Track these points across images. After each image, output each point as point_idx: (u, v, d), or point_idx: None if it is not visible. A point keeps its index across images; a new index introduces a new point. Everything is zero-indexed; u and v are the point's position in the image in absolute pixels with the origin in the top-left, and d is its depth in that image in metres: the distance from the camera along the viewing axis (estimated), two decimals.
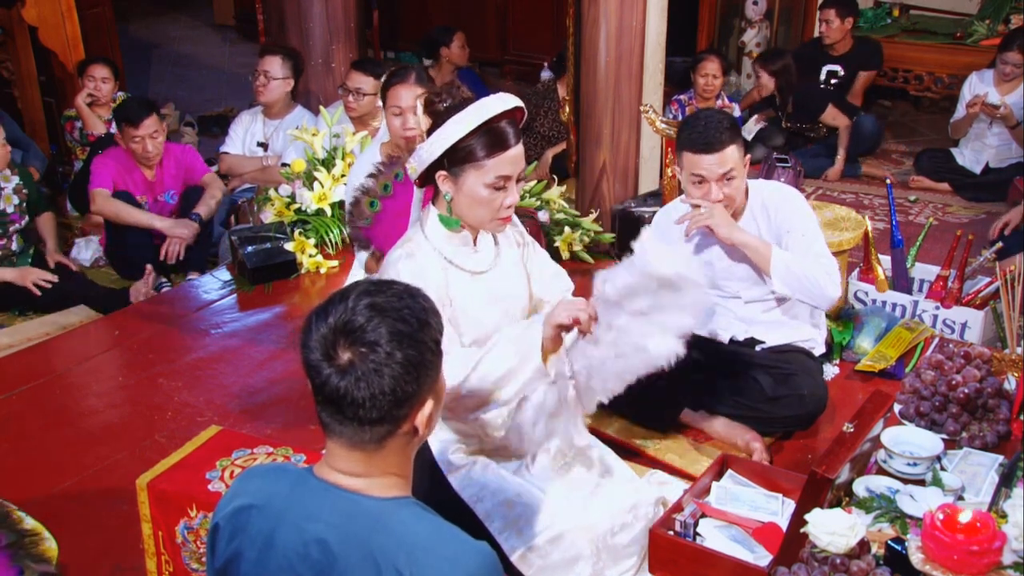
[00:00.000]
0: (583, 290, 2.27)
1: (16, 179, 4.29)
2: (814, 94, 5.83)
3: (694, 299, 2.06)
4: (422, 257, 2.17)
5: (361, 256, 3.28)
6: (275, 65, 4.79)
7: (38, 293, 4.12)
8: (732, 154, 2.78)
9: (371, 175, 3.07)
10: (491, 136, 2.09)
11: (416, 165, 2.17)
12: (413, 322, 1.40)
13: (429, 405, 1.45)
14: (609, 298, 2.05)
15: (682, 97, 5.72)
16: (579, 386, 2.16)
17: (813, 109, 5.70)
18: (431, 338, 1.43)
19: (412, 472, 1.53)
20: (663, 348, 2.06)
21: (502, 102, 2.11)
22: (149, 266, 4.26)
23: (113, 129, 5.25)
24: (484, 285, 2.23)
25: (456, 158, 2.10)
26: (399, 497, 1.46)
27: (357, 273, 3.71)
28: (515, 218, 2.38)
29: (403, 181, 3.00)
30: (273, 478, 1.52)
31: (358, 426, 1.41)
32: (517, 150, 2.12)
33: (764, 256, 2.78)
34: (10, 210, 4.29)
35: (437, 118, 2.13)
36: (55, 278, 4.16)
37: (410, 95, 3.23)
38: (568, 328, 2.07)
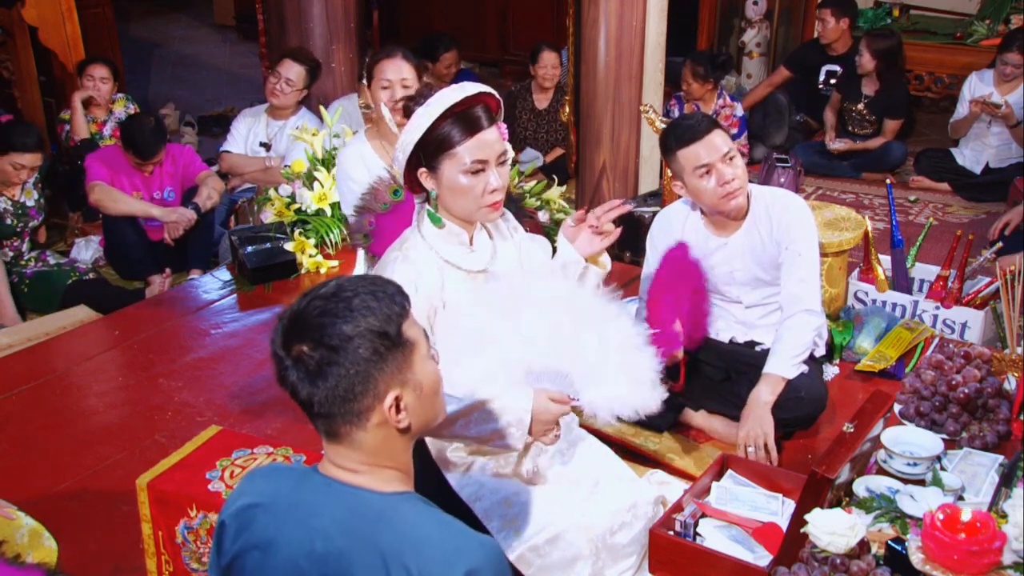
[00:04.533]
0: None
1: (36, 175, 4.35)
2: (904, 93, 5.84)
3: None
4: (418, 258, 2.16)
5: (362, 254, 3.27)
6: (299, 75, 4.79)
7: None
8: (721, 138, 2.78)
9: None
10: (460, 122, 2.08)
11: (396, 168, 2.18)
12: (366, 314, 1.41)
13: (392, 396, 1.44)
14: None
15: (681, 93, 5.72)
16: None
17: (894, 105, 5.69)
18: (377, 335, 1.41)
19: (412, 466, 1.54)
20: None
21: (464, 89, 2.10)
22: (168, 268, 4.42)
23: (107, 131, 5.25)
24: (481, 284, 2.23)
25: (430, 150, 2.10)
26: (401, 492, 1.47)
27: (360, 272, 3.70)
28: (510, 214, 2.38)
29: None
30: (277, 477, 1.54)
31: (322, 420, 1.46)
32: (491, 134, 2.10)
33: (781, 383, 2.77)
34: (30, 203, 4.33)
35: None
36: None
37: (397, 69, 3.29)
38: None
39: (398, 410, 1.45)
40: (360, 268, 3.74)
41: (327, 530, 1.42)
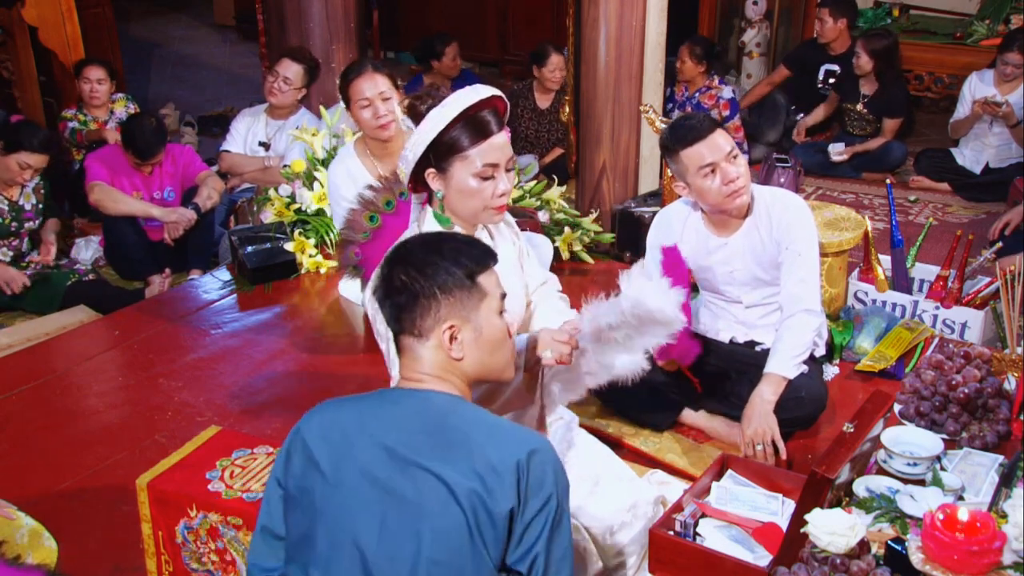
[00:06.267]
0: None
1: (37, 178, 4.33)
2: (903, 92, 5.83)
3: (671, 330, 2.11)
4: None
5: (358, 282, 3.24)
6: (297, 74, 4.79)
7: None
8: (723, 137, 2.77)
9: (371, 187, 3.04)
10: (473, 125, 2.10)
11: (404, 167, 2.18)
12: (452, 253, 1.69)
13: (448, 325, 1.67)
14: (592, 331, 2.08)
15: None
16: (547, 397, 2.18)
17: (893, 105, 5.68)
18: (453, 271, 1.68)
19: (471, 397, 1.77)
20: (630, 365, 2.14)
21: (477, 92, 2.12)
22: (168, 268, 4.44)
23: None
24: None
25: (441, 152, 2.11)
26: (461, 396, 1.71)
27: (350, 280, 3.69)
28: (510, 217, 2.39)
29: (408, 200, 2.97)
30: (355, 396, 1.75)
31: (394, 331, 1.73)
32: (501, 138, 2.14)
33: (783, 383, 2.77)
34: (27, 207, 4.33)
35: (419, 120, 2.14)
36: (27, 283, 4.22)
37: (372, 84, 3.26)
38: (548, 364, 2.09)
39: (451, 339, 1.69)
40: (353, 290, 3.74)
41: (401, 419, 1.63)
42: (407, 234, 2.28)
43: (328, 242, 4.16)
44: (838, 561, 1.79)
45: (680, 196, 2.96)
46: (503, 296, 1.75)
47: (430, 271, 1.68)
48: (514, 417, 2.26)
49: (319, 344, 3.60)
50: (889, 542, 1.88)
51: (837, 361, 3.31)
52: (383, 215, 2.96)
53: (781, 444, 2.70)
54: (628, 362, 2.13)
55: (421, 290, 1.67)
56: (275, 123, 4.98)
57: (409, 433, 1.61)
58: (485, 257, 1.73)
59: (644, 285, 2.04)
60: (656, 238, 3.05)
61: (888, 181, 4.03)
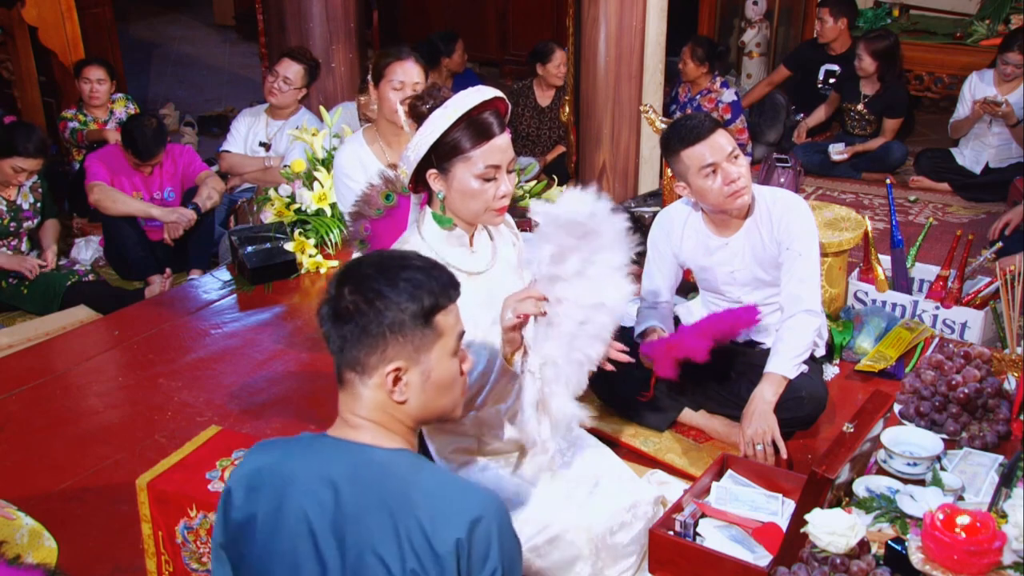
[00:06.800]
0: None
1: (35, 177, 4.33)
2: (904, 92, 5.84)
3: (614, 232, 2.08)
4: None
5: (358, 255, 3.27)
6: (297, 74, 4.80)
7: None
8: (725, 138, 2.77)
9: (393, 166, 3.06)
10: (475, 127, 2.11)
11: (405, 167, 2.18)
12: (408, 285, 1.51)
13: (393, 367, 1.51)
14: (544, 274, 2.05)
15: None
16: (561, 369, 2.14)
17: (894, 105, 5.68)
18: (406, 307, 1.50)
19: (416, 443, 1.61)
20: (617, 293, 2.11)
21: (481, 93, 2.13)
22: (168, 269, 4.45)
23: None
24: (481, 286, 2.23)
25: (443, 153, 2.12)
26: (402, 449, 1.56)
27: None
28: (509, 218, 2.39)
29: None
30: (286, 441, 1.61)
31: (335, 360, 1.56)
32: (503, 140, 2.14)
33: (783, 383, 2.77)
34: (25, 206, 4.33)
35: (421, 120, 2.14)
36: (47, 266, 4.32)
37: (411, 72, 3.31)
38: (520, 326, 2.06)
39: (395, 381, 1.53)
40: None
41: (336, 481, 1.49)
42: (405, 235, 2.28)
43: (328, 242, 4.16)
44: (838, 561, 1.79)
45: (680, 196, 2.96)
46: (461, 334, 1.60)
47: (381, 305, 1.50)
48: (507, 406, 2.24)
49: (319, 344, 3.59)
50: (889, 542, 1.88)
51: (837, 361, 3.31)
52: (399, 196, 2.98)
53: (781, 444, 2.70)
54: (613, 291, 2.10)
55: (368, 325, 1.50)
56: (275, 123, 4.98)
57: (346, 499, 1.48)
58: (446, 291, 1.56)
59: (553, 203, 2.03)
60: (657, 238, 3.05)
61: (888, 181, 4.02)
